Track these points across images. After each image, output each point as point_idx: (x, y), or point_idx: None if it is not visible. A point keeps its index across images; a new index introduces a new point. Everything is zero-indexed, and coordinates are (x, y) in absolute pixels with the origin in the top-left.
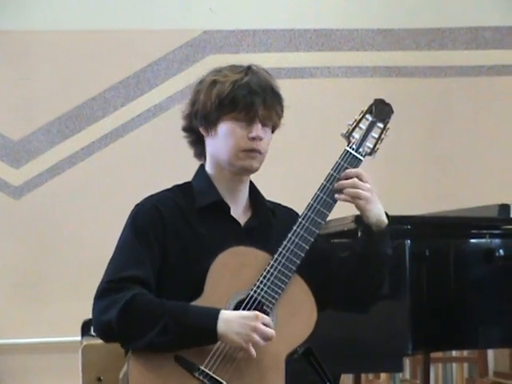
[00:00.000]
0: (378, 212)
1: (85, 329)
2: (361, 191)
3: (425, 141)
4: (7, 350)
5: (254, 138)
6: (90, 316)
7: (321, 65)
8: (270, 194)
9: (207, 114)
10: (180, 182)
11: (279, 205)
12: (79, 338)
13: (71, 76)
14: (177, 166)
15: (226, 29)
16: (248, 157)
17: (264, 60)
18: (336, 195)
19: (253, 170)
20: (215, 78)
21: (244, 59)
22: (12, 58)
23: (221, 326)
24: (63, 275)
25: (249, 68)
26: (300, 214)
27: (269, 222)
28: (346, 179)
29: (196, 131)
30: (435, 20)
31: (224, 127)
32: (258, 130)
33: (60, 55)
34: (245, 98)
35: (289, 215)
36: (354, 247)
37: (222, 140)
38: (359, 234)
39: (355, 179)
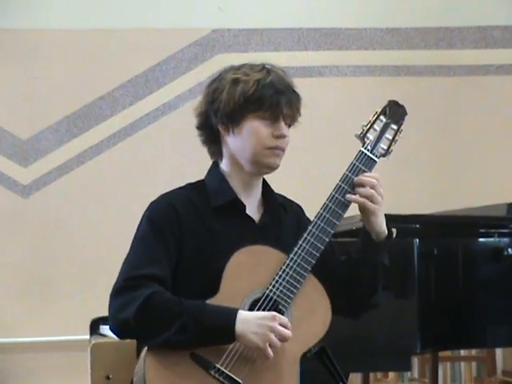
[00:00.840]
0: (382, 222)
1: (93, 327)
2: (376, 194)
3: (433, 140)
4: (16, 348)
5: (278, 137)
6: (98, 314)
7: (329, 64)
8: (278, 191)
9: (230, 112)
10: (192, 181)
11: (289, 200)
12: (88, 337)
13: (80, 75)
14: (185, 165)
15: (235, 27)
16: (273, 154)
17: (273, 59)
18: (347, 195)
19: (275, 167)
20: (237, 77)
21: (253, 58)
22: (21, 56)
23: (239, 326)
24: (71, 274)
25: (266, 67)
26: (315, 214)
27: (279, 219)
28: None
29: (212, 129)
30: (444, 19)
31: (249, 125)
32: (283, 128)
33: (69, 54)
34: (271, 98)
35: (298, 211)
36: (350, 252)
37: (246, 138)
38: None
39: (375, 181)
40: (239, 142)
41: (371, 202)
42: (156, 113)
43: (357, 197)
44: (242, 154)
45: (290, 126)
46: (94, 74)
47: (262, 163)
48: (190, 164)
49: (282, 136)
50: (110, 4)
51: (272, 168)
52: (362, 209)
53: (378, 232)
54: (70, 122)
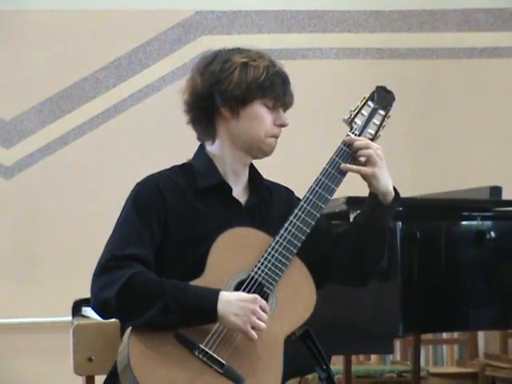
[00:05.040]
0: (387, 182)
1: (76, 309)
2: (374, 154)
3: (416, 123)
4: None
5: (280, 125)
6: (81, 296)
7: (313, 46)
8: (262, 175)
9: (239, 95)
10: (178, 163)
11: (277, 184)
12: (70, 318)
13: (63, 56)
14: (168, 146)
15: (218, 9)
16: (272, 142)
17: (256, 41)
18: (342, 165)
19: (270, 154)
20: (246, 61)
21: (236, 40)
22: (3, 37)
23: (220, 307)
24: (55, 255)
25: (262, 53)
26: (303, 196)
27: (266, 201)
28: (355, 152)
29: (210, 109)
30: (427, 2)
31: (254, 111)
32: (284, 117)
33: (51, 35)
34: (280, 87)
35: (287, 195)
36: (354, 218)
37: (250, 123)
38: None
39: (368, 141)
40: (242, 126)
41: (369, 162)
42: (139, 94)
43: (351, 165)
44: (242, 138)
45: None
46: (77, 56)
47: (261, 149)
48: (172, 145)
49: (284, 125)
50: None
51: (267, 154)
52: (362, 176)
53: (383, 194)
54: (53, 104)
